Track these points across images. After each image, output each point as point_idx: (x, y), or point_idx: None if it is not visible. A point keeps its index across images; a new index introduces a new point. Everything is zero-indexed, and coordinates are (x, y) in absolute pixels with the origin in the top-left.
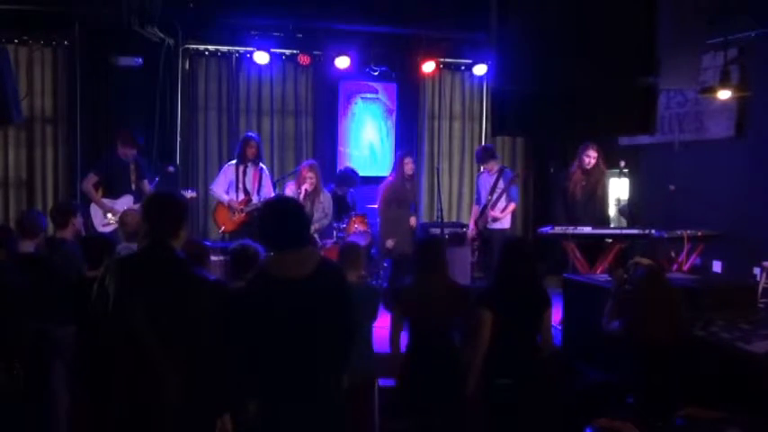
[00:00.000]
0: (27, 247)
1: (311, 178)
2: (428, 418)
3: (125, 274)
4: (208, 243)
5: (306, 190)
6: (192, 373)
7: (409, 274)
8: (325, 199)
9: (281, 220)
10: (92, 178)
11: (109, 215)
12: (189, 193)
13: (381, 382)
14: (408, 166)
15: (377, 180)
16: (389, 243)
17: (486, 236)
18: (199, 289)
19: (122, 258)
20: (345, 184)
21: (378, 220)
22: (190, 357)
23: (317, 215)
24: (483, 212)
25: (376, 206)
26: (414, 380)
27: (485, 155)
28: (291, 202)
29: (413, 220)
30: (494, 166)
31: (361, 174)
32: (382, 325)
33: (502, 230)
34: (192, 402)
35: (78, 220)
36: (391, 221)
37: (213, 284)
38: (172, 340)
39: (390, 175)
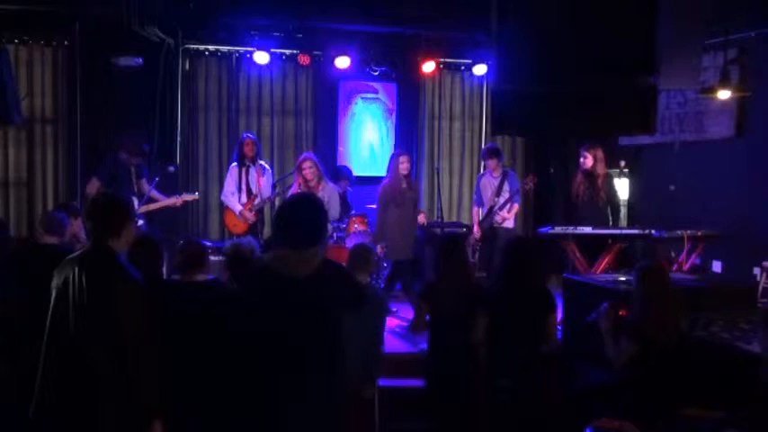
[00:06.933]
0: (51, 241)
1: (310, 167)
2: (446, 417)
3: (61, 274)
4: (207, 243)
5: (299, 184)
6: (118, 375)
7: (415, 274)
8: (328, 191)
9: (296, 217)
10: (95, 183)
11: None
12: (191, 196)
13: (381, 382)
14: (404, 165)
15: (377, 180)
16: (379, 249)
17: (490, 235)
18: (123, 288)
19: (67, 258)
20: (339, 180)
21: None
22: (116, 358)
23: None
24: (489, 214)
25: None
26: (435, 380)
27: (489, 153)
28: (312, 200)
29: (421, 218)
30: (497, 167)
31: (362, 174)
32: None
33: (507, 229)
34: (121, 405)
35: (77, 223)
36: (386, 225)
37: (139, 284)
38: (98, 339)
39: (386, 177)
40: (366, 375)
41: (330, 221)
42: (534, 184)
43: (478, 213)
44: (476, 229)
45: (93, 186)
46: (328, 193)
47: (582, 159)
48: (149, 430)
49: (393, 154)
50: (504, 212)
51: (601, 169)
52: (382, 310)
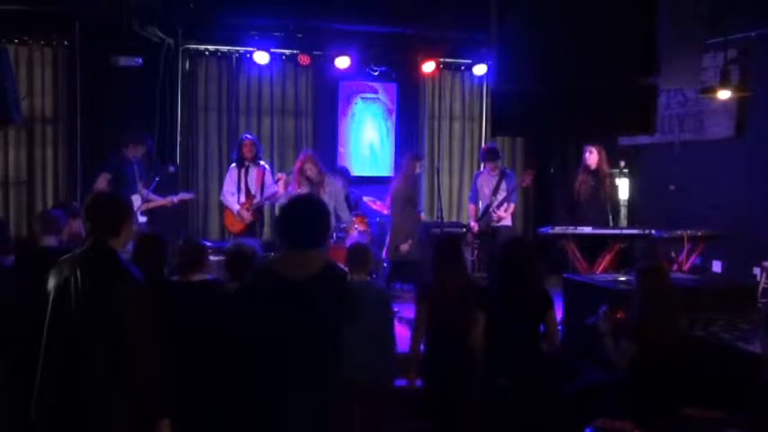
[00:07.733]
0: (50, 242)
1: (311, 168)
2: (445, 417)
3: (60, 274)
4: (207, 243)
5: (298, 182)
6: (119, 374)
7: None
8: (333, 191)
9: (298, 217)
10: (105, 177)
11: None
12: (187, 196)
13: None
14: (419, 168)
15: (377, 180)
16: (404, 247)
17: (489, 233)
18: (124, 288)
19: (63, 258)
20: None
21: (390, 220)
22: (117, 358)
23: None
24: (486, 212)
25: (385, 209)
26: (432, 380)
27: (489, 155)
28: (315, 202)
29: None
30: (496, 167)
31: (362, 174)
32: None
33: (506, 227)
34: (121, 405)
35: (76, 223)
36: (407, 223)
37: (140, 283)
38: (98, 339)
39: (398, 176)
40: (386, 370)
41: (336, 223)
42: (532, 179)
43: (475, 210)
44: (473, 224)
45: (104, 180)
46: (334, 193)
47: (587, 155)
48: (157, 430)
49: (411, 155)
50: (500, 211)
51: (606, 167)
52: (387, 307)
